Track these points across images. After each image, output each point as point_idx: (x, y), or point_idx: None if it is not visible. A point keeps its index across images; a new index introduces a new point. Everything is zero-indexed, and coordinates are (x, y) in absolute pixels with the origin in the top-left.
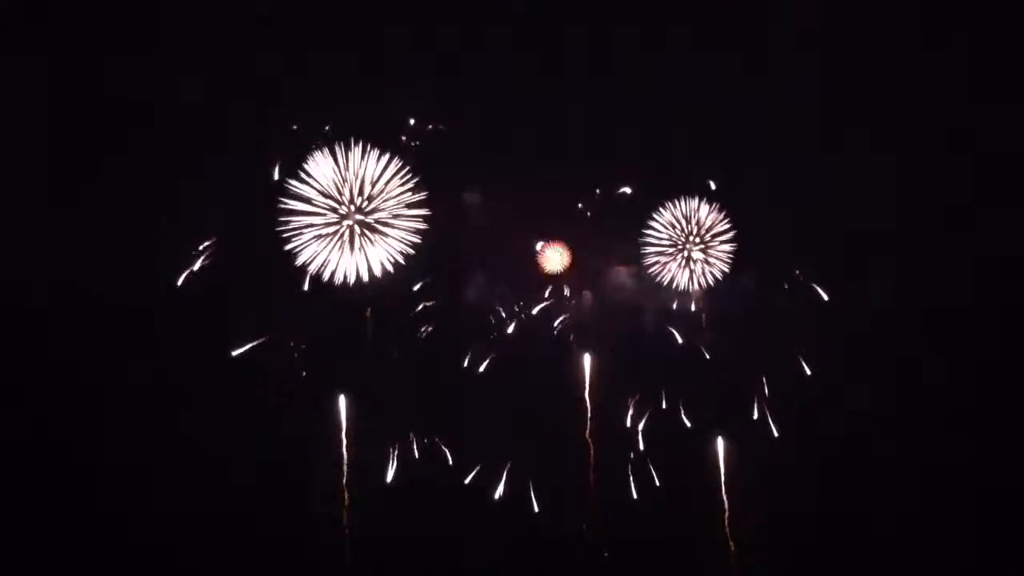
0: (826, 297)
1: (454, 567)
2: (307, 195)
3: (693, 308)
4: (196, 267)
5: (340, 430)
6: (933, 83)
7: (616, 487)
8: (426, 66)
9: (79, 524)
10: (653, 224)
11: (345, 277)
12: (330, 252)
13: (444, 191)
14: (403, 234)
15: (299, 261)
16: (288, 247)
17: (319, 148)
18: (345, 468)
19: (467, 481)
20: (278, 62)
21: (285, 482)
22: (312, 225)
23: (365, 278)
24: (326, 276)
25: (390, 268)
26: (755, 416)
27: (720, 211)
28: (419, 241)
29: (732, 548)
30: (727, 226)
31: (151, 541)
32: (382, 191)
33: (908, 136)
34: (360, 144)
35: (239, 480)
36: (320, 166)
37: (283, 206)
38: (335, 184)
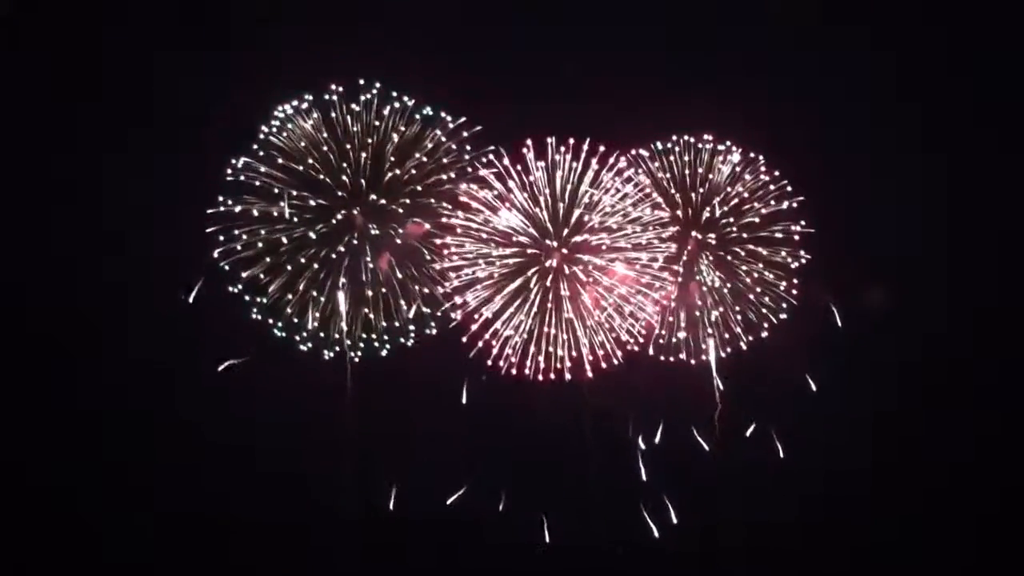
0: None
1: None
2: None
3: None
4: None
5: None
6: None
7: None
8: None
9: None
10: (601, 198)
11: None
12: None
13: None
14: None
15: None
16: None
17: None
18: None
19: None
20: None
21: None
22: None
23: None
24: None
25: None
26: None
27: (755, 174)
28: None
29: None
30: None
31: (152, 544)
32: (419, 163)
33: None
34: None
35: (240, 487)
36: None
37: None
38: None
